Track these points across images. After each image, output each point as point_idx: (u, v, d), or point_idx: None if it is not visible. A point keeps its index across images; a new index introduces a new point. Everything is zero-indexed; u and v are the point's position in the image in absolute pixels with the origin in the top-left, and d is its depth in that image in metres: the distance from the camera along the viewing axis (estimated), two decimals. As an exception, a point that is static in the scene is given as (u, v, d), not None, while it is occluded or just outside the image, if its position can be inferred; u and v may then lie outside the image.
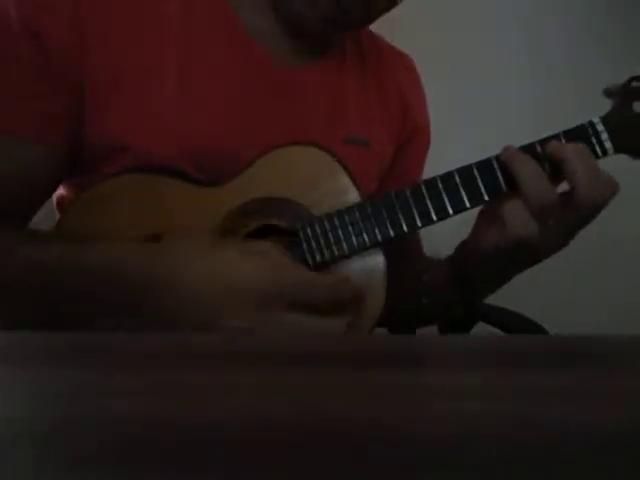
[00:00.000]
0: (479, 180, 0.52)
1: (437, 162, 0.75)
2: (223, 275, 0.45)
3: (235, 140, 0.55)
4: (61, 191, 0.60)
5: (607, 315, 1.14)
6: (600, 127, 0.52)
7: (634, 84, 0.53)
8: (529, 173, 0.49)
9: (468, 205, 0.52)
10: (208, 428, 0.18)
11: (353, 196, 0.53)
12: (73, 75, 0.52)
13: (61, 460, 0.15)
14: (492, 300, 0.75)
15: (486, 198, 0.52)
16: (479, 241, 0.55)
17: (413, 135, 0.72)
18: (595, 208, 0.49)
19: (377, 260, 0.53)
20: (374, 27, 0.71)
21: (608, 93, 0.54)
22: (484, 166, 0.52)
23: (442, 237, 0.62)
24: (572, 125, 0.53)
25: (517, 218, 0.49)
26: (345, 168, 0.54)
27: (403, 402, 0.21)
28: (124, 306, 0.46)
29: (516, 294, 0.87)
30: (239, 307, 0.45)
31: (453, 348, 0.31)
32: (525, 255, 0.53)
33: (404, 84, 0.71)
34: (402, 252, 0.68)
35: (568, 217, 0.50)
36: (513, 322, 0.78)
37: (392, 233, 0.52)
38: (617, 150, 0.52)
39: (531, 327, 0.75)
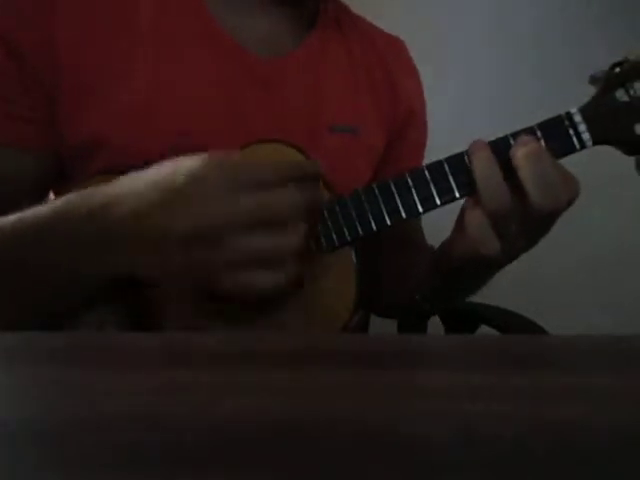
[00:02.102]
0: (450, 176, 0.49)
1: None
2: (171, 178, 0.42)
3: (215, 137, 0.54)
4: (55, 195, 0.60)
5: (607, 315, 1.14)
6: (578, 118, 0.49)
7: (617, 70, 0.49)
8: (484, 175, 0.47)
9: (438, 202, 0.49)
10: (208, 428, 0.18)
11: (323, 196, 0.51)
12: (49, 82, 0.53)
13: (61, 460, 0.15)
14: (492, 300, 0.75)
15: (457, 195, 0.49)
16: (449, 248, 0.53)
17: (408, 120, 0.70)
18: (550, 215, 0.47)
19: (348, 256, 0.51)
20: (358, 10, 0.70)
21: (593, 80, 0.50)
22: (456, 161, 0.49)
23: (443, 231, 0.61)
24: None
25: (476, 228, 0.47)
26: None
27: (403, 402, 0.21)
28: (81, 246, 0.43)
29: (516, 294, 0.88)
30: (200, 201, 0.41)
31: (453, 348, 0.31)
32: (487, 263, 0.51)
33: (392, 65, 0.69)
34: (401, 247, 0.67)
35: (526, 223, 0.48)
36: (513, 322, 0.78)
37: (361, 232, 0.50)
38: (596, 142, 0.49)
39: (531, 327, 0.75)
